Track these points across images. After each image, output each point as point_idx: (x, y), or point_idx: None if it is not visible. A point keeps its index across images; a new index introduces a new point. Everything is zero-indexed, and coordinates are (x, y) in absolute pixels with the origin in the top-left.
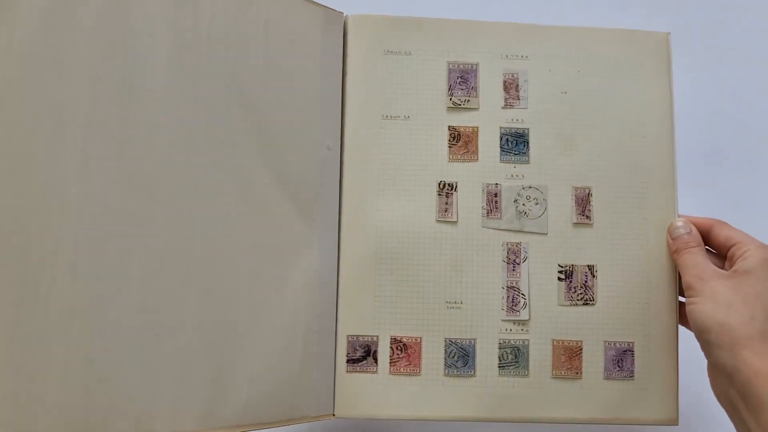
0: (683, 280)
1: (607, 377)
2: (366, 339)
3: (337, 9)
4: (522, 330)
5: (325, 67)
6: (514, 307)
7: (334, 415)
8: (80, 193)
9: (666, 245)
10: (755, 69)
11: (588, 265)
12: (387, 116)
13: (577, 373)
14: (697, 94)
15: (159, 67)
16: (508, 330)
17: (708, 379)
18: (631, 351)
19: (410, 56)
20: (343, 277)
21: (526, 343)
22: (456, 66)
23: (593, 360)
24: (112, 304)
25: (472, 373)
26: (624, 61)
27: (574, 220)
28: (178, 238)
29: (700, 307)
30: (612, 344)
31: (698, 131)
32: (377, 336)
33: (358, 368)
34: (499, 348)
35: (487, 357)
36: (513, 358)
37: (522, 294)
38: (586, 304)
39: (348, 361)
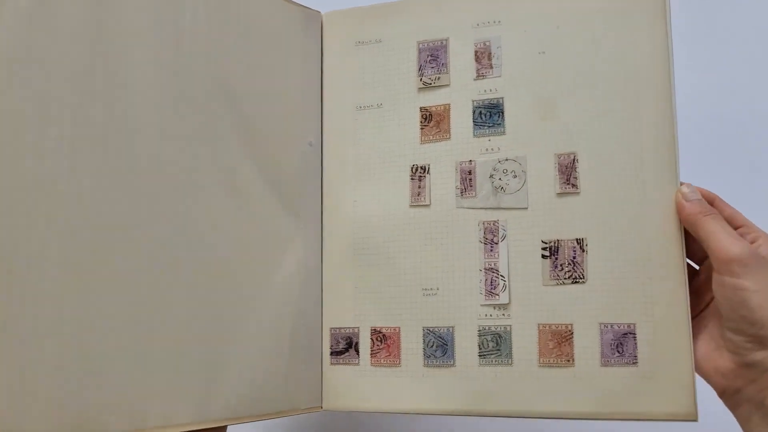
0: (713, 245)
1: (605, 364)
2: (347, 331)
3: (318, 9)
4: (503, 315)
5: (306, 64)
6: (492, 291)
7: (322, 407)
8: (68, 189)
9: (674, 211)
10: (755, 67)
11: (576, 239)
12: (361, 107)
13: (569, 360)
14: (696, 94)
15: (142, 64)
16: (488, 315)
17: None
18: (633, 333)
19: (380, 44)
20: (326, 270)
21: (508, 328)
22: (426, 45)
23: (587, 345)
24: (102, 298)
25: (452, 362)
26: (610, 13)
27: (558, 190)
28: (166, 233)
29: (753, 296)
30: (609, 327)
31: (697, 130)
32: (358, 328)
33: (341, 360)
34: (479, 335)
35: (466, 345)
36: (494, 345)
37: (501, 276)
38: (576, 282)
39: (332, 354)
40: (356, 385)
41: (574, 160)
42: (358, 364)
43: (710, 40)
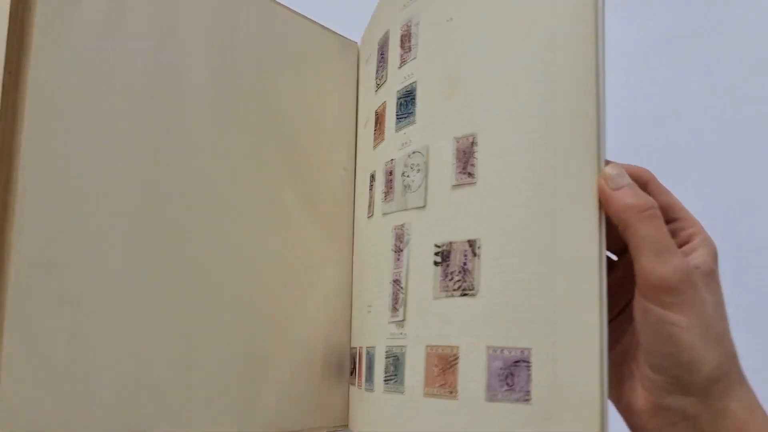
0: (648, 264)
1: (491, 398)
2: (353, 351)
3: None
4: (401, 334)
5: (342, 92)
6: (396, 306)
7: (347, 426)
8: (123, 202)
9: (594, 204)
10: (753, 68)
11: (468, 241)
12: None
13: (451, 392)
14: (693, 93)
15: (200, 82)
16: (392, 334)
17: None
18: (527, 362)
19: (368, 63)
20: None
21: (404, 350)
22: (379, 45)
23: (472, 373)
24: (153, 310)
25: (371, 387)
26: None
27: (454, 182)
28: (213, 249)
29: (687, 335)
30: (498, 351)
31: (695, 130)
32: (356, 348)
33: (351, 381)
34: (385, 357)
35: (379, 368)
36: (393, 369)
37: (401, 288)
38: (465, 294)
39: (350, 374)
40: (355, 405)
41: (472, 143)
42: (354, 384)
43: (710, 41)
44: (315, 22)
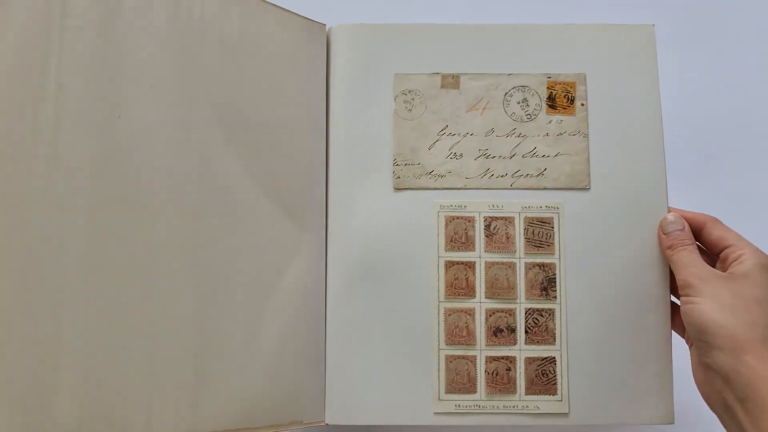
0: (679, 277)
1: None
2: None
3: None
4: None
5: (309, 75)
6: None
7: (325, 422)
8: (81, 204)
9: None
10: (751, 67)
11: None
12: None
13: None
14: (692, 93)
15: (156, 67)
16: None
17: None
18: None
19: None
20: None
21: None
22: None
23: None
24: (107, 306)
25: None
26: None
27: None
28: (171, 243)
29: (701, 307)
30: None
31: (693, 130)
32: None
33: None
34: None
35: None
36: None
37: None
38: None
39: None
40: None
41: None
42: None
43: (704, 38)
44: (277, 6)
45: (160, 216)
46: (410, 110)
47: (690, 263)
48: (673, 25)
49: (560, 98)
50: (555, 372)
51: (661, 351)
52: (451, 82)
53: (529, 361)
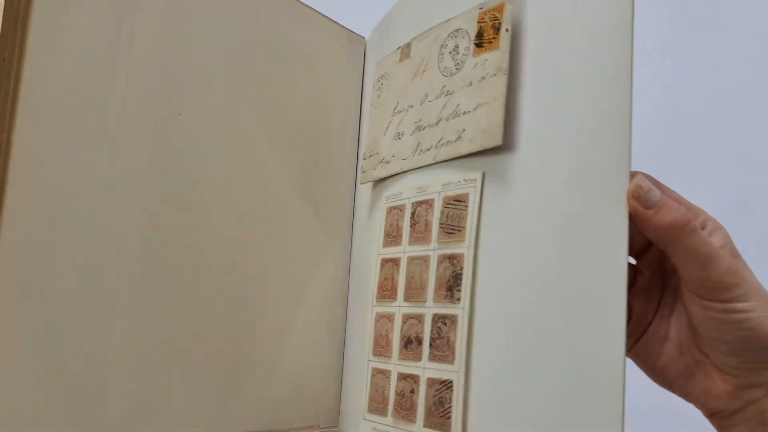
0: (705, 274)
1: None
2: None
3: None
4: None
5: (348, 86)
6: None
7: (339, 428)
8: (128, 198)
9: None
10: (752, 68)
11: None
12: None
13: None
14: (693, 93)
15: (213, 78)
16: None
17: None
18: None
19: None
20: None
21: None
22: None
23: None
24: (156, 306)
25: None
26: None
27: None
28: (211, 245)
29: (764, 315)
30: None
31: (694, 129)
32: None
33: None
34: None
35: None
36: None
37: None
38: None
39: None
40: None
41: None
42: None
43: (710, 40)
44: (326, 16)
45: (207, 218)
46: (379, 96)
47: (717, 250)
48: (673, 24)
49: (488, 30)
50: (451, 401)
51: (610, 381)
52: (406, 52)
53: (430, 383)
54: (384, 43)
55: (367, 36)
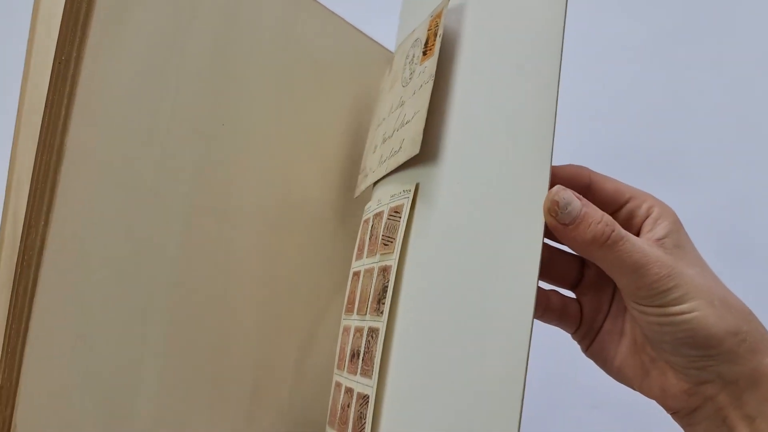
0: (642, 281)
1: None
2: None
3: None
4: None
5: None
6: None
7: None
8: (166, 205)
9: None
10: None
11: None
12: None
13: None
14: (694, 93)
15: (260, 93)
16: None
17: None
18: None
19: None
20: None
21: None
22: None
23: None
24: (189, 314)
25: None
26: None
27: None
28: (245, 258)
29: (702, 316)
30: None
31: (695, 129)
32: None
33: None
34: None
35: None
36: None
37: None
38: None
39: None
40: None
41: None
42: None
43: (710, 40)
44: (365, 34)
45: (243, 229)
46: (374, 113)
47: (647, 256)
48: (673, 23)
49: (431, 38)
50: (366, 417)
51: (508, 397)
52: (390, 65)
53: (358, 397)
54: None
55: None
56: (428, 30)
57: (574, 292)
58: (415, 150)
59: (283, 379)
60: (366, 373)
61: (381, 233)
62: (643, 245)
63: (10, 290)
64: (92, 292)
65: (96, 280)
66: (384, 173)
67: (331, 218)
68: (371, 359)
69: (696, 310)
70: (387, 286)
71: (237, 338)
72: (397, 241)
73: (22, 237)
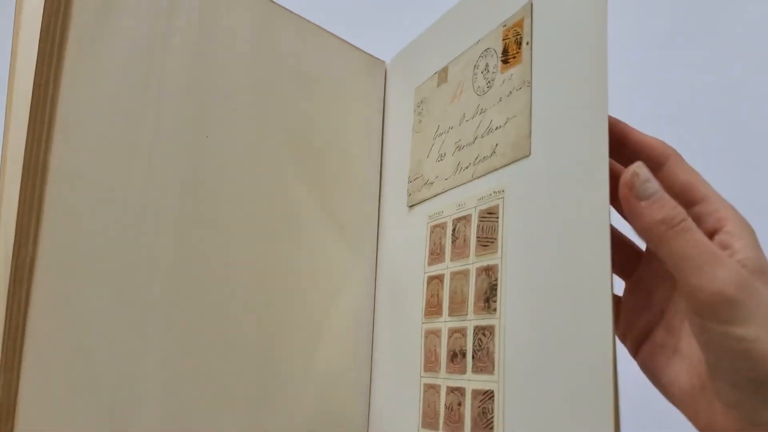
0: (703, 282)
1: None
2: None
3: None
4: None
5: (369, 109)
6: None
7: None
8: (155, 220)
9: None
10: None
11: None
12: None
13: None
14: (698, 92)
15: (239, 104)
16: None
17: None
18: None
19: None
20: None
21: None
22: None
23: None
24: (187, 323)
25: None
26: None
27: None
28: (237, 265)
29: (752, 345)
30: None
31: (696, 129)
32: None
33: None
34: None
35: None
36: None
37: None
38: None
39: None
40: None
41: None
42: None
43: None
44: (347, 42)
45: (235, 237)
46: (420, 121)
47: (717, 256)
48: (674, 23)
49: (511, 46)
50: (493, 411)
51: (601, 379)
52: (443, 76)
53: (474, 394)
54: (414, 69)
55: (387, 60)
56: (504, 39)
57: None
58: (525, 152)
59: (287, 386)
60: (483, 369)
61: (474, 235)
62: (715, 247)
63: (5, 308)
64: (87, 307)
65: (89, 294)
66: (470, 178)
67: (327, 223)
68: (487, 356)
69: (759, 340)
70: (495, 284)
71: (238, 346)
72: (499, 240)
73: (13, 256)
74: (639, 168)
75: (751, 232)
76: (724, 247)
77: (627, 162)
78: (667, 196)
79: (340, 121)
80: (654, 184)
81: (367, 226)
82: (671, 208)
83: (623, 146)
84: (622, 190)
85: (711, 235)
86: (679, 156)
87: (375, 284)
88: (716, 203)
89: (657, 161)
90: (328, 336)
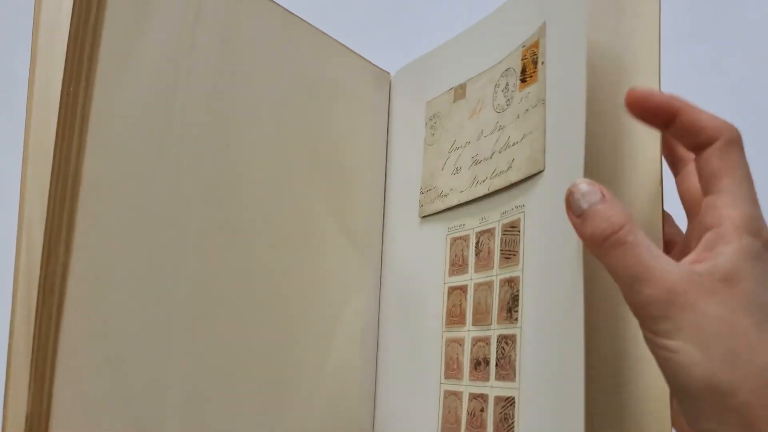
0: (634, 298)
1: None
2: None
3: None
4: None
5: (374, 120)
6: None
7: None
8: (175, 224)
9: None
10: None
11: None
12: None
13: None
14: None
15: (258, 105)
16: None
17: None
18: None
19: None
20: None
21: None
22: None
23: None
24: (208, 331)
25: None
26: None
27: None
28: (248, 274)
29: (682, 359)
30: None
31: None
32: None
33: None
34: None
35: None
36: None
37: None
38: None
39: None
40: None
41: None
42: None
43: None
44: (353, 51)
45: (254, 245)
46: (433, 134)
47: (649, 271)
48: (673, 23)
49: (529, 66)
50: (513, 417)
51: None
52: (461, 92)
53: (497, 401)
54: (425, 83)
55: (392, 72)
56: (522, 59)
57: None
58: (540, 167)
59: (300, 392)
60: (505, 377)
61: (498, 248)
62: (653, 259)
63: (33, 322)
64: (116, 316)
65: (119, 303)
66: (486, 192)
67: (336, 232)
68: (509, 363)
69: (680, 352)
70: (517, 295)
71: (254, 354)
72: (521, 253)
73: (41, 267)
74: (575, 186)
75: (749, 236)
76: (709, 248)
77: (679, 140)
78: (603, 210)
79: (350, 131)
80: (591, 199)
81: (373, 235)
82: (603, 220)
83: (671, 125)
84: (566, 210)
85: (707, 230)
86: (731, 142)
87: (380, 291)
88: (726, 199)
89: (699, 144)
90: (336, 344)
